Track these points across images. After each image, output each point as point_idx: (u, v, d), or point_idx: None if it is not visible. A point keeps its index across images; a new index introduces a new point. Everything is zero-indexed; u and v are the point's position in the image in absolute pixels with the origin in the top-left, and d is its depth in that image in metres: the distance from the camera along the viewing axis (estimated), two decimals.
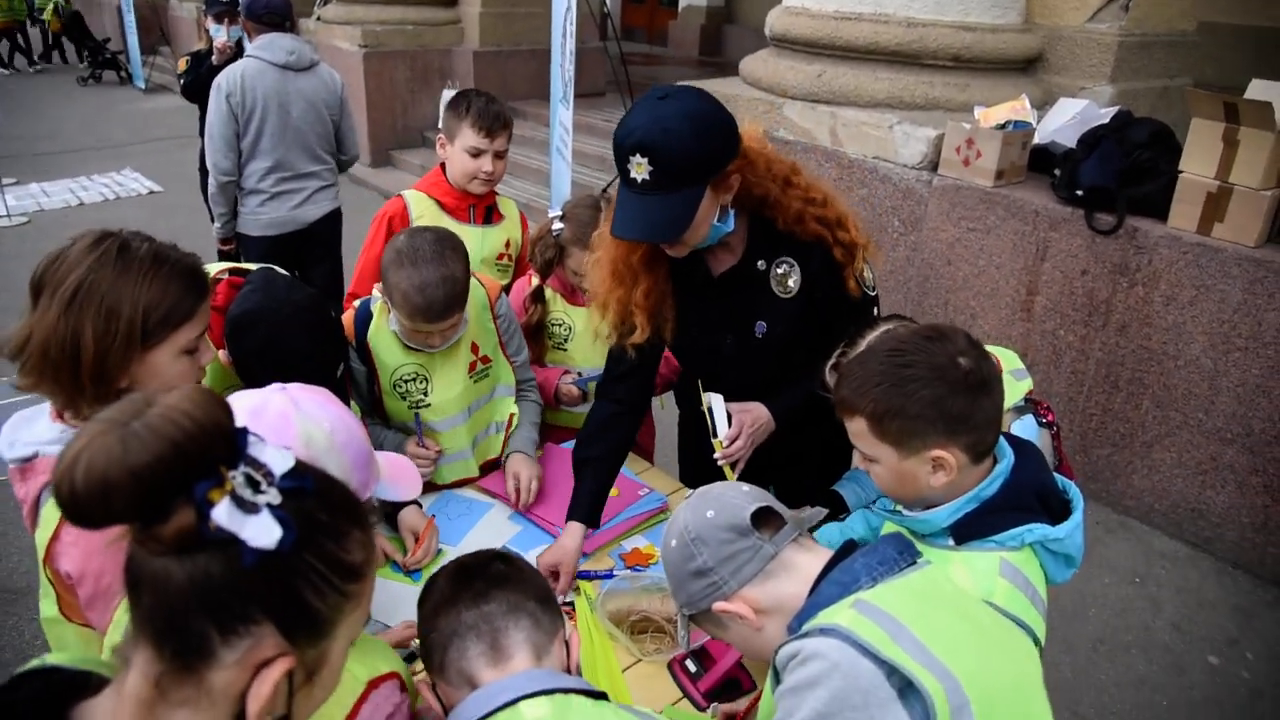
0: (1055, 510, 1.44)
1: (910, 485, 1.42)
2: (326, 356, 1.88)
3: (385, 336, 2.19)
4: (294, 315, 1.81)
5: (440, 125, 2.77)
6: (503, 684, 1.11)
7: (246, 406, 1.26)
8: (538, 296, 2.60)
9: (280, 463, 0.78)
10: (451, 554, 2.08)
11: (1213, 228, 3.47)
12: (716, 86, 5.16)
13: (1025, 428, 1.85)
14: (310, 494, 0.79)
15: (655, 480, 2.42)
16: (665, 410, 2.72)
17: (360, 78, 8.57)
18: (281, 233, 4.21)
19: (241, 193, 4.11)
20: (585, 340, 2.60)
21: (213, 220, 4.24)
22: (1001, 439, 1.47)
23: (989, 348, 1.94)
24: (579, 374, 2.60)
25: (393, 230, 2.70)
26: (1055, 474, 1.51)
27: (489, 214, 2.83)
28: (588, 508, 2.04)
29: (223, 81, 3.90)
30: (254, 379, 1.82)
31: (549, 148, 6.42)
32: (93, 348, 1.36)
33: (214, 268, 1.97)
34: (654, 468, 2.55)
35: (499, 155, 2.68)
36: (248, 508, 0.73)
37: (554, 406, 2.60)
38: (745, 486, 1.36)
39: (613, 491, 2.30)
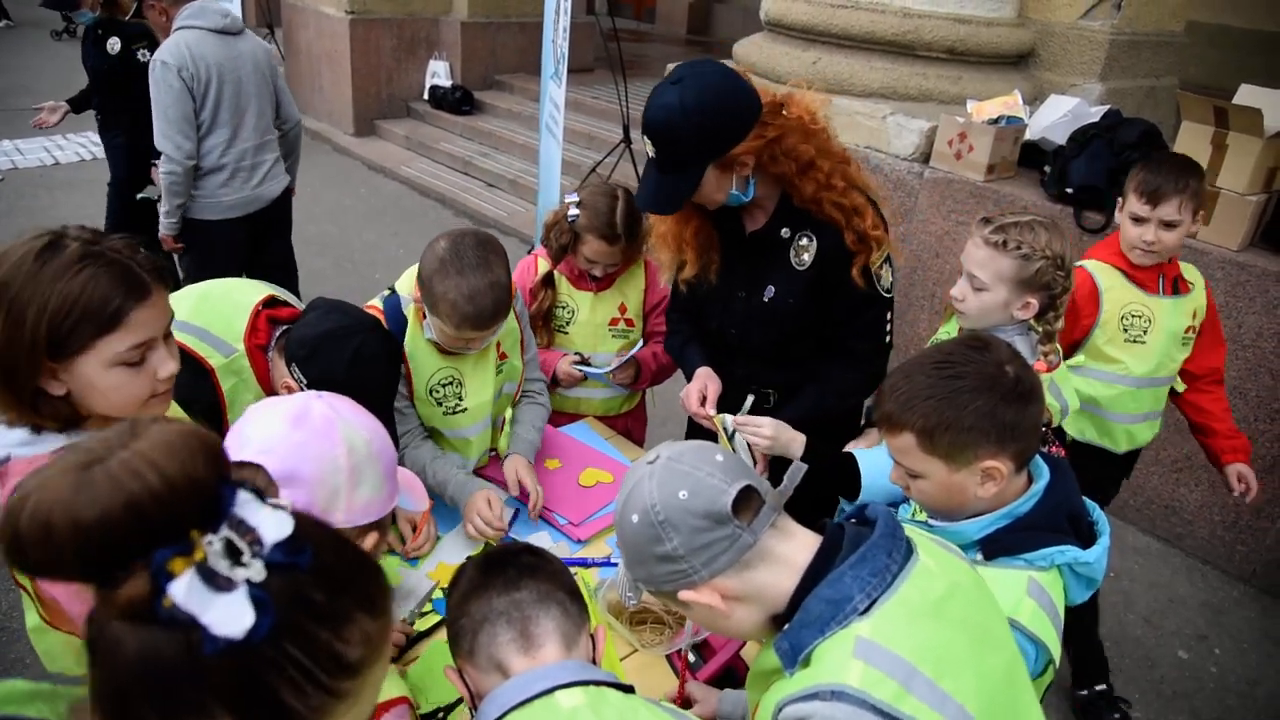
0: (1083, 533, 1.43)
1: (958, 498, 1.40)
2: (396, 372, 1.97)
3: (420, 343, 2.16)
4: (372, 331, 1.86)
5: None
6: (537, 672, 1.12)
7: (288, 412, 1.23)
8: (547, 281, 2.60)
9: (275, 529, 0.66)
10: (445, 539, 2.10)
11: (1198, 230, 3.50)
12: None
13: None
14: (305, 571, 0.67)
15: None
16: (657, 406, 2.73)
17: (346, 44, 8.42)
18: (244, 214, 3.91)
19: (197, 175, 3.73)
20: (588, 325, 2.62)
21: (158, 212, 3.78)
22: (1039, 458, 1.46)
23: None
24: (579, 355, 2.62)
25: None
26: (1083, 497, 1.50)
27: None
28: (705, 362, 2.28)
29: (167, 57, 3.51)
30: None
31: (537, 123, 6.37)
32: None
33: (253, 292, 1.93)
34: None
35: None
36: (219, 583, 0.62)
37: (551, 389, 2.60)
38: (719, 454, 1.16)
39: (608, 478, 2.33)
